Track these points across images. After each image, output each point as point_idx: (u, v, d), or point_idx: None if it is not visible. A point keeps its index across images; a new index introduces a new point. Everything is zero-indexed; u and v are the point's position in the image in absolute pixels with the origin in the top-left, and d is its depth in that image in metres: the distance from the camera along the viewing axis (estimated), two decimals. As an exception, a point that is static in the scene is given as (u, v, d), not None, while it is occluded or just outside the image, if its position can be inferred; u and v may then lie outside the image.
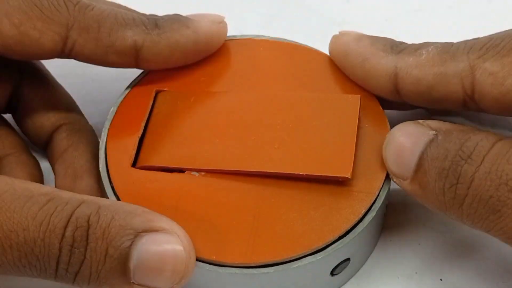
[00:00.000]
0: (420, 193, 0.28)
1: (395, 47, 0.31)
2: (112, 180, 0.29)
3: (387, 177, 0.29)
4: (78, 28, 0.30)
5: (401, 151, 0.28)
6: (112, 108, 0.32)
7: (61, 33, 0.30)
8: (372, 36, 0.32)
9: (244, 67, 0.34)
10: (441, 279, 0.31)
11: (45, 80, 0.34)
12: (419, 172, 0.28)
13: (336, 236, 0.28)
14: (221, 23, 0.33)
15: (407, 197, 0.33)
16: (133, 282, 0.25)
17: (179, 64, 0.33)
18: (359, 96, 0.31)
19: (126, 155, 0.30)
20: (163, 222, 0.25)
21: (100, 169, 0.30)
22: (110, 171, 0.30)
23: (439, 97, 0.30)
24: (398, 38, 0.32)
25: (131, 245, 0.24)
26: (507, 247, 0.31)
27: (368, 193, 0.29)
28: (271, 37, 0.35)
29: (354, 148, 0.29)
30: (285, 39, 0.35)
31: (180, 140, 0.31)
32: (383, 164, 0.29)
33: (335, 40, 0.33)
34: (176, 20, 0.32)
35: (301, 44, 0.35)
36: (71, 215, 0.25)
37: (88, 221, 0.25)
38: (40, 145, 0.34)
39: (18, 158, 0.33)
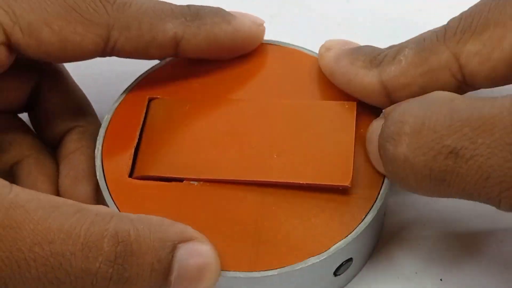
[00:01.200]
0: (393, 180, 0.28)
1: (374, 60, 0.30)
2: (110, 190, 0.29)
3: (386, 179, 0.30)
4: (119, 27, 0.30)
5: (371, 149, 0.29)
6: (106, 116, 0.32)
7: (102, 35, 0.29)
8: (350, 51, 0.31)
9: (238, 72, 0.33)
10: (441, 279, 0.31)
11: (63, 82, 0.34)
12: (383, 160, 0.28)
13: (338, 242, 0.28)
14: (261, 26, 0.33)
15: (407, 198, 0.34)
16: None
17: (213, 57, 0.33)
18: (355, 102, 0.31)
19: (123, 165, 0.30)
20: (192, 231, 0.25)
21: (98, 178, 0.30)
22: (107, 180, 0.30)
23: None
24: (398, 38, 0.32)
25: (172, 257, 0.24)
26: (507, 246, 0.31)
27: (367, 199, 0.29)
28: (266, 40, 0.34)
29: (353, 155, 0.29)
30: (281, 43, 0.35)
31: (176, 149, 0.30)
32: None
33: (320, 58, 0.33)
34: (218, 13, 0.32)
35: (297, 48, 0.34)
36: (106, 228, 0.23)
37: (130, 236, 0.24)
38: (51, 146, 0.33)
39: (36, 160, 0.32)
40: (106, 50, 0.30)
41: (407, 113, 0.27)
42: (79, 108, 0.33)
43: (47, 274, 0.23)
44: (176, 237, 0.24)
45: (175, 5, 0.31)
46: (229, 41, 0.32)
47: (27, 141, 0.33)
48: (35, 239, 0.23)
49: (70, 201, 0.24)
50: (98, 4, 0.29)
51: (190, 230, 0.25)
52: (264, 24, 0.33)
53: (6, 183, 0.25)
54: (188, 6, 0.32)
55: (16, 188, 0.24)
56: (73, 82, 0.34)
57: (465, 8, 0.31)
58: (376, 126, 0.29)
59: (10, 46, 0.29)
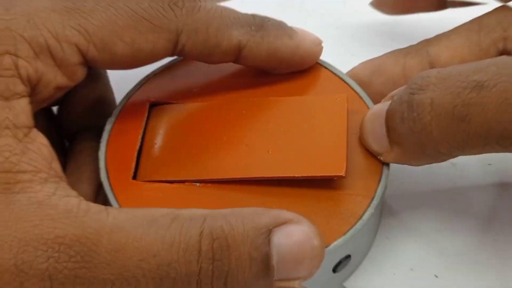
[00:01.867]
0: (403, 154, 0.29)
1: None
2: (114, 191, 0.29)
3: (382, 176, 0.30)
4: (187, 31, 0.29)
5: (373, 127, 0.29)
6: (110, 118, 0.32)
7: (171, 39, 0.29)
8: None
9: (236, 75, 0.34)
10: (436, 276, 0.31)
11: (95, 79, 0.33)
12: (391, 134, 0.29)
13: (337, 239, 0.28)
14: (319, 46, 0.33)
15: (404, 196, 0.34)
16: (275, 280, 0.24)
17: (270, 69, 0.33)
18: (345, 95, 0.31)
19: (126, 167, 0.30)
20: (286, 213, 0.25)
21: (102, 179, 0.30)
22: (111, 182, 0.30)
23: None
24: (395, 40, 0.32)
25: (269, 243, 0.24)
26: (502, 244, 0.32)
27: (365, 197, 0.29)
28: None
29: (346, 146, 0.29)
30: None
31: (177, 153, 0.31)
32: (377, 164, 0.30)
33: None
34: (281, 27, 0.32)
35: None
36: (201, 230, 0.24)
37: (223, 231, 0.24)
38: (68, 139, 0.33)
39: None
40: (174, 53, 0.30)
41: (433, 70, 0.28)
42: (100, 108, 0.33)
43: (156, 286, 0.24)
44: (270, 223, 0.24)
45: (241, 13, 0.31)
46: (289, 55, 0.32)
47: (49, 130, 0.32)
48: (140, 256, 0.23)
49: (164, 210, 0.25)
50: (167, 9, 0.29)
51: (284, 214, 0.25)
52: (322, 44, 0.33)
53: (101, 207, 0.25)
54: (253, 15, 0.32)
55: (112, 210, 0.25)
56: (107, 81, 0.34)
57: (464, 10, 0.31)
58: (381, 105, 0.30)
59: (86, 64, 0.29)
